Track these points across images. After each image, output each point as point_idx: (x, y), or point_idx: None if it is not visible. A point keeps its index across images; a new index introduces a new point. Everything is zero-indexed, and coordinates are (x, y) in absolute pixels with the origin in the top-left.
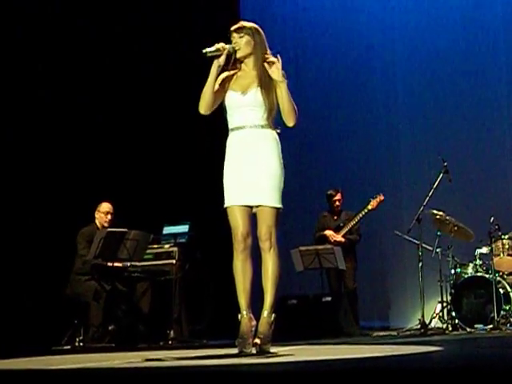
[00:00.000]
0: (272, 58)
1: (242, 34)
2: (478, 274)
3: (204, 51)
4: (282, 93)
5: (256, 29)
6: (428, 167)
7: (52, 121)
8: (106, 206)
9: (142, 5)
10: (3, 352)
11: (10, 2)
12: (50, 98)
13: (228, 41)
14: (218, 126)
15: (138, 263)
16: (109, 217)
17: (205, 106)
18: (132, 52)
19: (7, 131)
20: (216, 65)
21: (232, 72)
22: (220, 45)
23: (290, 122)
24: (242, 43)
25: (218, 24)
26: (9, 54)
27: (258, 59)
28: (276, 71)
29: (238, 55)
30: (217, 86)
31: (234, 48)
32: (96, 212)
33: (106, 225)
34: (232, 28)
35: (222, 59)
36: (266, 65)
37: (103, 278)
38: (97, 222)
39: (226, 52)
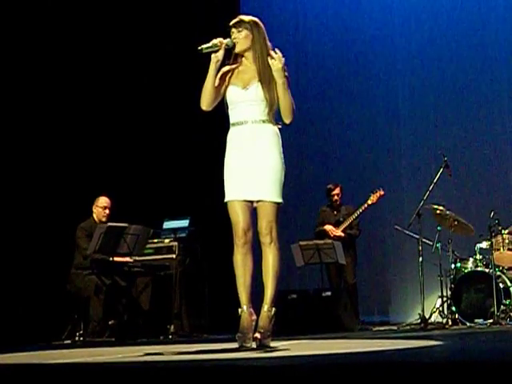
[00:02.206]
0: (274, 54)
1: (240, 29)
2: (478, 269)
3: (200, 48)
4: (280, 89)
5: (255, 22)
6: (428, 162)
7: (50, 116)
8: (103, 201)
9: (141, 3)
10: (4, 346)
11: (10, 2)
12: (48, 92)
13: (228, 37)
14: (217, 120)
15: (138, 258)
16: (106, 211)
17: (206, 102)
18: (131, 48)
19: (4, 126)
20: (214, 60)
21: (233, 66)
22: (217, 40)
23: (286, 118)
24: (240, 37)
25: (218, 23)
26: (8, 53)
27: (257, 53)
28: (276, 62)
29: (237, 49)
30: (218, 81)
31: (232, 42)
32: (94, 206)
33: (103, 219)
34: (231, 23)
35: (220, 54)
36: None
37: (103, 272)
38: (94, 216)
39: (223, 46)
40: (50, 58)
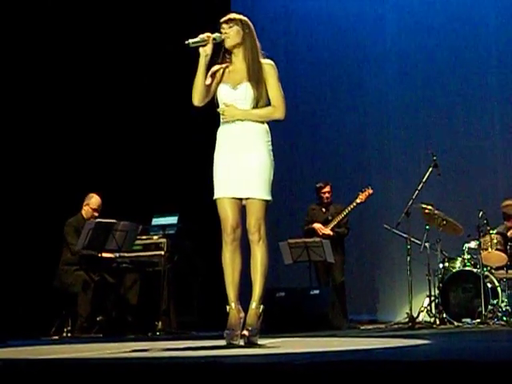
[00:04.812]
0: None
1: (231, 24)
2: (466, 269)
3: (187, 42)
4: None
5: (245, 20)
6: (417, 161)
7: (41, 111)
8: (96, 202)
9: (137, 3)
10: None
11: (10, 2)
12: (42, 88)
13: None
14: (207, 117)
15: (126, 254)
16: (95, 214)
17: (197, 97)
18: (122, 44)
19: None
20: (203, 54)
21: (223, 66)
22: (205, 34)
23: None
24: (231, 32)
25: (209, 19)
26: (8, 52)
27: (247, 51)
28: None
29: (228, 44)
30: (209, 80)
31: (221, 37)
32: (85, 204)
33: (92, 219)
34: (221, 20)
35: (208, 48)
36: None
37: (92, 268)
38: (83, 212)
39: (211, 40)
40: (48, 55)
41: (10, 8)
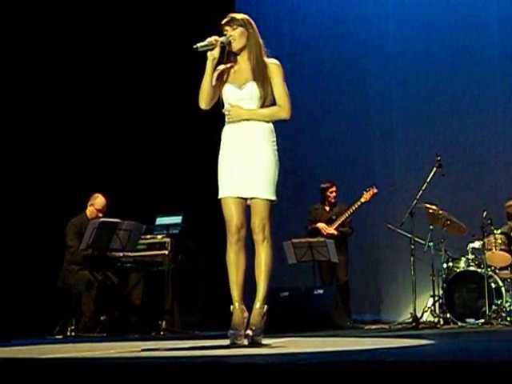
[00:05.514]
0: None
1: (234, 26)
2: (470, 269)
3: (195, 46)
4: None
5: (247, 20)
6: (422, 161)
7: (45, 111)
8: (100, 204)
9: (139, 3)
10: None
11: (10, 2)
12: (45, 88)
13: (221, 35)
14: (211, 117)
15: (130, 254)
16: (100, 214)
17: (204, 101)
18: (125, 45)
19: None
20: (210, 58)
21: (228, 66)
22: (213, 38)
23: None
24: (236, 35)
25: (213, 20)
26: (9, 52)
27: (251, 50)
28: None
29: (234, 48)
30: (215, 81)
31: (228, 40)
32: (89, 204)
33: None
34: (223, 22)
35: (216, 51)
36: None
37: (95, 268)
38: (88, 212)
39: (219, 44)
40: (50, 55)
41: (11, 8)
